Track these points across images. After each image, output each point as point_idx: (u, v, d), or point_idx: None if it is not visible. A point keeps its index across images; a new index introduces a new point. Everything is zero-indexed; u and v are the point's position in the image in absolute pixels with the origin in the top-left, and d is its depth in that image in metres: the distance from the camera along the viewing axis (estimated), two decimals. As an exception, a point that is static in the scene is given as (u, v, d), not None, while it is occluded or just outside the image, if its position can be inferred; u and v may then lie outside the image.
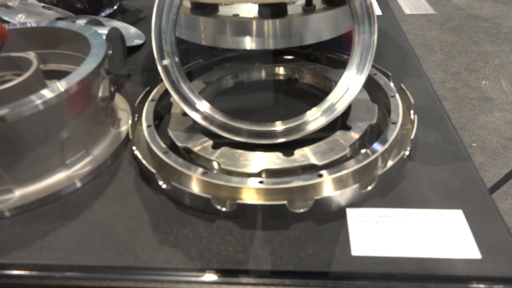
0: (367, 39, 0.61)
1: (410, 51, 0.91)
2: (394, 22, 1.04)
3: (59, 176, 0.61)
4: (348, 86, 0.63)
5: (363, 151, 0.58)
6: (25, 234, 0.54)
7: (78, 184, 0.61)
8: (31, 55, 0.70)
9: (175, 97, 0.61)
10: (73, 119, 0.61)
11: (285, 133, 0.62)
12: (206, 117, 0.63)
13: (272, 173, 0.57)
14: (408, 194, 0.56)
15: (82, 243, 0.52)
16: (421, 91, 0.77)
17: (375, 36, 0.61)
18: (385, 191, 0.57)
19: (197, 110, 0.63)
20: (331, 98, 0.64)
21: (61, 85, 0.58)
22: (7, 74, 0.70)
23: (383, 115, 0.69)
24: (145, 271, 0.49)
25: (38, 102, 0.55)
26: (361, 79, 0.62)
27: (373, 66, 0.77)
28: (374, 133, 0.65)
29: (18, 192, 0.59)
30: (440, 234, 0.50)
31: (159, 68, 0.61)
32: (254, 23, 0.71)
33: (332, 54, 0.82)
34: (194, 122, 0.65)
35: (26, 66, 0.67)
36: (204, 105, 0.63)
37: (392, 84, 0.73)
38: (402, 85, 0.71)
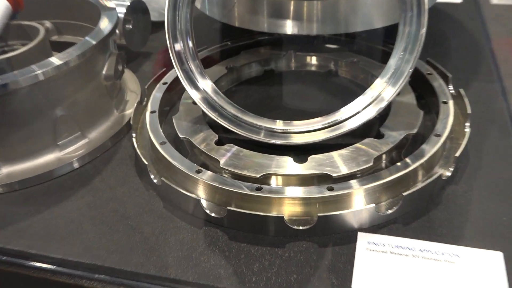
0: (414, 33, 0.58)
1: (486, 49, 0.84)
2: (473, 12, 0.97)
3: (49, 157, 0.63)
4: (381, 88, 0.60)
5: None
6: (5, 214, 0.57)
7: (68, 168, 0.63)
8: (45, 24, 0.73)
9: (175, 67, 0.61)
10: (70, 97, 0.62)
11: (304, 135, 0.60)
12: (205, 99, 0.62)
13: (275, 180, 0.56)
14: (439, 224, 0.52)
15: (56, 232, 0.54)
16: (488, 100, 0.71)
17: (424, 30, 0.57)
18: (410, 217, 0.53)
19: (196, 88, 0.62)
20: (362, 101, 0.61)
21: (59, 58, 0.60)
22: (16, 43, 0.74)
23: (434, 124, 0.65)
24: (112, 273, 0.49)
25: (32, 74, 0.57)
26: (399, 78, 0.59)
27: (430, 63, 0.72)
28: (417, 146, 0.61)
29: (6, 170, 0.62)
30: (470, 278, 0.46)
31: (167, 37, 0.62)
32: (295, 4, 0.69)
33: (383, 46, 0.79)
34: (203, 113, 0.65)
35: (34, 36, 0.70)
36: (206, 84, 0.63)
37: (450, 88, 0.68)
38: (461, 91, 0.66)
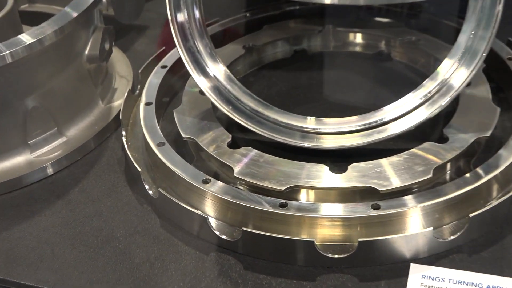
0: (488, 8, 0.60)
1: None
2: None
3: (17, 160, 0.67)
4: (450, 74, 0.63)
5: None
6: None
7: (41, 174, 0.67)
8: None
9: (177, 45, 0.65)
10: (44, 84, 0.67)
11: (337, 137, 0.64)
12: (216, 88, 0.65)
13: (305, 194, 0.59)
14: (516, 255, 0.54)
15: (24, 256, 0.58)
16: None
17: (500, 6, 0.59)
18: (479, 245, 0.55)
19: (205, 74, 0.66)
20: (425, 89, 0.64)
21: (31, 35, 0.64)
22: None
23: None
24: (96, 309, 0.53)
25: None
26: (470, 64, 0.61)
27: (511, 43, 0.75)
28: (491, 154, 0.64)
29: (-37, 175, 0.66)
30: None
31: (168, 6, 0.65)
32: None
33: (452, 22, 0.81)
34: (213, 106, 0.68)
35: (1, 6, 0.74)
36: (217, 69, 0.66)
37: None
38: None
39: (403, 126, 0.63)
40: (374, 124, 0.64)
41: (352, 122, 0.64)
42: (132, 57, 0.84)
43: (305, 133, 0.64)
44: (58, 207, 0.63)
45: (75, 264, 0.57)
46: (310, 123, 0.64)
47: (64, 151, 0.68)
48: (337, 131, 0.64)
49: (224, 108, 0.66)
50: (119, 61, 0.82)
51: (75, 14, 0.67)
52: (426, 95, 0.63)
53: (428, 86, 0.63)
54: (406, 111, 0.63)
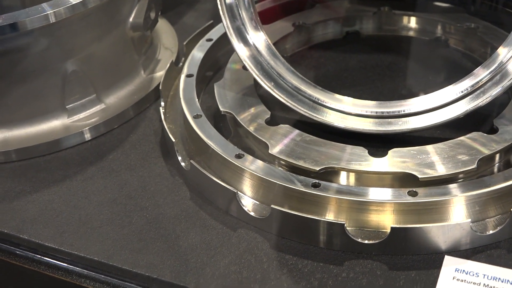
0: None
1: None
2: None
3: (54, 124, 0.69)
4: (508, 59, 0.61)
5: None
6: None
7: (77, 139, 0.69)
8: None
9: (222, 17, 0.65)
10: (86, 48, 0.68)
11: (386, 120, 0.63)
12: (254, 57, 0.66)
13: (340, 176, 0.58)
14: None
15: (54, 219, 0.59)
16: None
17: None
18: (521, 242, 0.54)
19: (245, 42, 0.66)
20: (478, 75, 0.62)
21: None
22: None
23: None
24: (118, 273, 0.54)
25: (40, 15, 0.62)
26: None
27: None
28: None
29: (2, 135, 0.68)
30: None
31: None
32: None
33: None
34: (255, 82, 0.68)
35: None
36: (258, 38, 0.66)
37: None
38: None
39: (428, 121, 0.62)
40: (420, 110, 0.63)
41: (396, 106, 0.63)
42: (180, 30, 0.85)
43: (345, 114, 0.64)
44: (90, 173, 0.65)
45: (101, 231, 0.58)
46: (348, 103, 0.64)
47: (101, 118, 0.70)
48: (379, 115, 0.63)
49: (266, 84, 0.66)
50: (166, 33, 0.83)
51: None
52: (463, 90, 0.61)
53: (470, 80, 0.62)
54: (437, 106, 0.62)
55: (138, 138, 0.69)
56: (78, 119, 0.70)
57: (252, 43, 0.66)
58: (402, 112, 0.63)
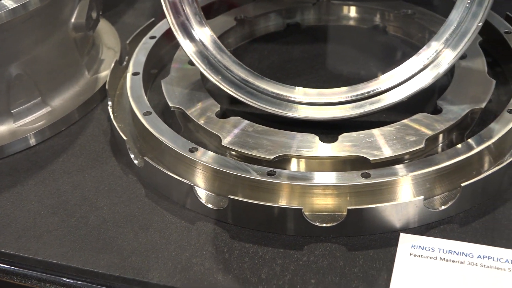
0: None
1: None
2: None
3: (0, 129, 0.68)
4: (438, 51, 0.64)
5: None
6: None
7: (23, 144, 0.68)
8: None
9: (167, 16, 0.66)
10: (29, 51, 0.67)
11: (329, 108, 0.64)
12: (203, 55, 0.66)
13: (294, 163, 0.60)
14: (507, 225, 0.55)
15: (8, 224, 0.58)
16: None
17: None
18: (470, 216, 0.56)
19: (191, 38, 0.66)
20: (408, 67, 0.65)
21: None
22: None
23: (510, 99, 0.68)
24: (78, 275, 0.54)
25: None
26: (462, 38, 0.62)
27: (509, 19, 0.76)
28: (486, 126, 0.65)
29: None
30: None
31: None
32: None
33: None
34: (202, 77, 0.69)
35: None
36: (204, 34, 0.67)
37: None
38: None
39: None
40: (366, 95, 0.65)
41: (342, 93, 0.65)
42: (121, 30, 0.85)
43: (294, 104, 0.65)
44: (41, 177, 0.64)
45: (58, 233, 0.57)
46: (298, 93, 0.65)
47: (48, 121, 0.69)
48: (328, 102, 0.64)
49: (213, 78, 0.66)
50: (107, 32, 0.83)
51: (59, -20, 0.67)
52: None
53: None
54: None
55: (87, 139, 0.69)
56: (25, 123, 0.69)
57: (198, 39, 0.67)
58: (372, 92, 0.65)
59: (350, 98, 0.64)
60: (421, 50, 0.65)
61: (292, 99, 0.65)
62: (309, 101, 0.65)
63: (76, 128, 0.71)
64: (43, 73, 0.69)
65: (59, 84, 0.71)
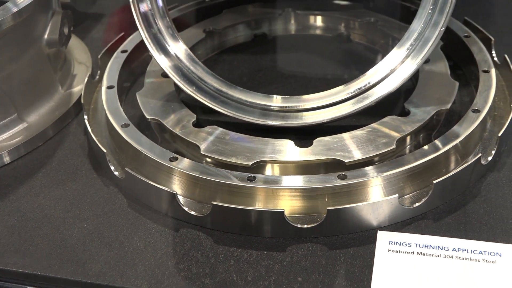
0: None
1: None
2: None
3: (-23, 147, 0.68)
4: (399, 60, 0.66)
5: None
6: None
7: (2, 160, 0.68)
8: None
9: (140, 30, 0.67)
10: (4, 69, 0.68)
11: (305, 114, 0.67)
12: (178, 68, 0.68)
13: (272, 169, 0.62)
14: (477, 219, 0.58)
15: (-8, 241, 0.59)
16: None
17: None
18: (442, 212, 0.59)
19: (166, 53, 0.68)
20: (369, 75, 0.67)
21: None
22: None
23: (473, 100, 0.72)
24: (67, 286, 0.55)
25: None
26: (424, 47, 0.65)
27: (468, 24, 0.79)
28: (451, 126, 0.68)
29: None
30: (516, 282, 0.52)
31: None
32: None
33: (411, 3, 0.85)
34: (176, 87, 0.70)
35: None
36: (178, 49, 0.69)
37: (492, 54, 0.75)
38: (507, 57, 0.73)
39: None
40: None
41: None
42: (90, 45, 0.86)
43: (268, 112, 0.67)
44: (22, 192, 0.65)
45: (43, 246, 0.58)
46: (276, 101, 0.67)
47: (25, 136, 0.70)
48: (317, 106, 0.67)
49: (188, 89, 0.68)
50: (77, 48, 0.84)
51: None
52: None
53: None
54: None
55: (65, 154, 0.70)
56: (2, 140, 0.69)
57: (173, 54, 0.69)
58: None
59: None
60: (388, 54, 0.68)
61: (268, 106, 0.67)
62: (292, 107, 0.67)
63: (53, 143, 0.71)
64: (19, 89, 0.70)
65: (34, 100, 0.72)
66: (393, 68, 0.66)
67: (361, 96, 0.66)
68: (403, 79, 0.65)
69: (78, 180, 0.66)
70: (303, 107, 0.67)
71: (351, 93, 0.66)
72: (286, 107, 0.67)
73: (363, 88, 0.66)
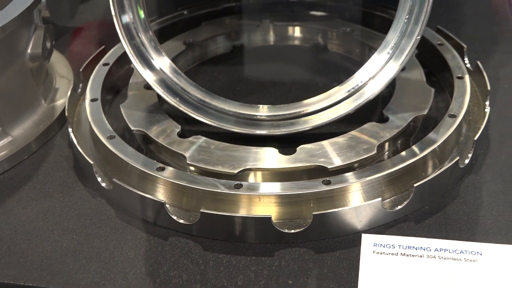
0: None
1: (509, 14, 0.95)
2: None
3: (-39, 162, 0.69)
4: (383, 62, 0.69)
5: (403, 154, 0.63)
6: None
7: (-12, 175, 0.69)
8: None
9: (123, 42, 0.68)
10: (-13, 83, 0.69)
11: (286, 122, 0.69)
12: (163, 81, 0.70)
13: (257, 176, 0.63)
14: (457, 219, 0.60)
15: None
16: (511, 75, 0.81)
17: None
18: (423, 214, 0.61)
19: (151, 68, 0.70)
20: (356, 79, 0.70)
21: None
22: None
23: (448, 106, 0.74)
24: (60, 296, 0.56)
25: None
26: (404, 52, 0.67)
27: (441, 32, 0.82)
28: (429, 131, 0.70)
29: None
30: (494, 278, 0.54)
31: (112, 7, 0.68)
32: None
33: (383, 12, 0.88)
34: (160, 98, 0.72)
35: None
36: (163, 63, 0.70)
37: (465, 61, 0.78)
38: (479, 64, 0.76)
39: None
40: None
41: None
42: (70, 58, 0.87)
43: (253, 121, 0.69)
44: (9, 205, 0.65)
45: (34, 258, 0.59)
46: (263, 110, 0.69)
47: (10, 150, 0.70)
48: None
49: (172, 100, 0.69)
50: (58, 62, 0.85)
51: (16, 13, 0.69)
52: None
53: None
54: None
55: (50, 166, 0.70)
56: (-14, 155, 0.70)
57: (158, 68, 0.70)
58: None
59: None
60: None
61: (254, 116, 0.69)
62: (289, 115, 0.69)
63: (38, 156, 0.72)
64: (3, 103, 0.70)
65: (18, 114, 0.73)
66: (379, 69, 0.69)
67: (356, 94, 0.69)
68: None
69: (65, 192, 0.67)
70: (303, 113, 0.69)
71: (347, 92, 0.69)
72: (275, 115, 0.69)
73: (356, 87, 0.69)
